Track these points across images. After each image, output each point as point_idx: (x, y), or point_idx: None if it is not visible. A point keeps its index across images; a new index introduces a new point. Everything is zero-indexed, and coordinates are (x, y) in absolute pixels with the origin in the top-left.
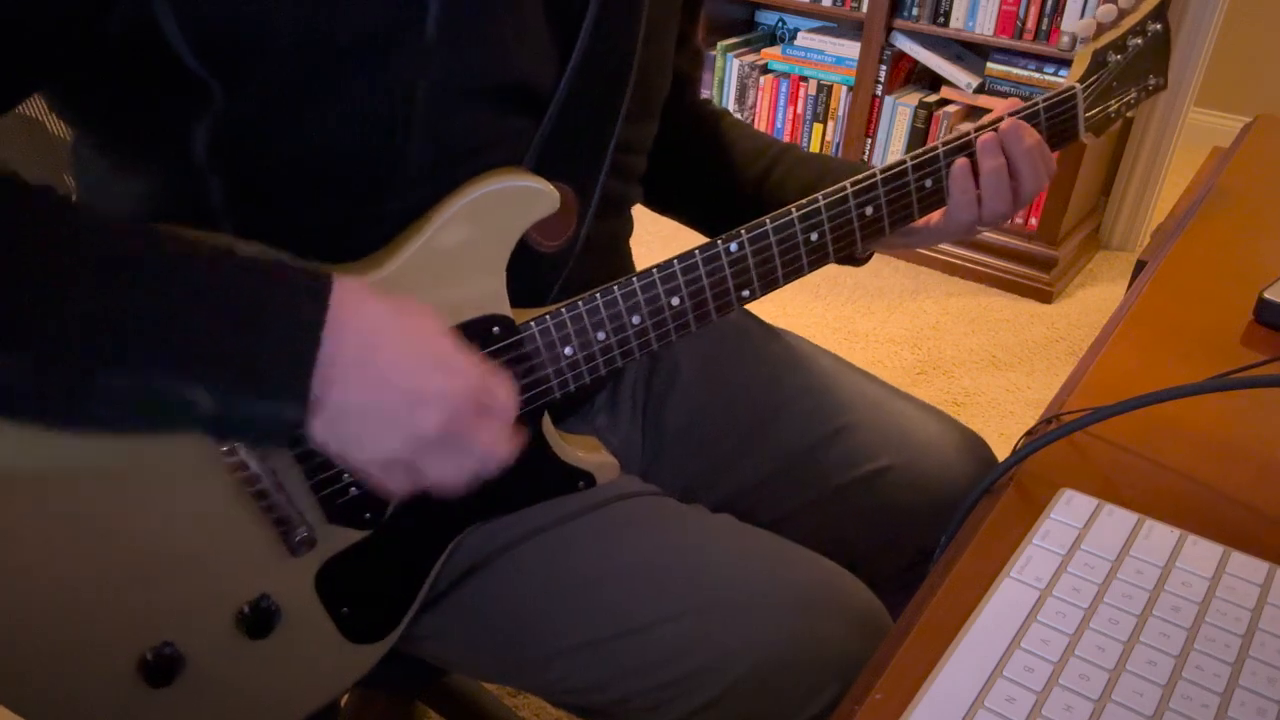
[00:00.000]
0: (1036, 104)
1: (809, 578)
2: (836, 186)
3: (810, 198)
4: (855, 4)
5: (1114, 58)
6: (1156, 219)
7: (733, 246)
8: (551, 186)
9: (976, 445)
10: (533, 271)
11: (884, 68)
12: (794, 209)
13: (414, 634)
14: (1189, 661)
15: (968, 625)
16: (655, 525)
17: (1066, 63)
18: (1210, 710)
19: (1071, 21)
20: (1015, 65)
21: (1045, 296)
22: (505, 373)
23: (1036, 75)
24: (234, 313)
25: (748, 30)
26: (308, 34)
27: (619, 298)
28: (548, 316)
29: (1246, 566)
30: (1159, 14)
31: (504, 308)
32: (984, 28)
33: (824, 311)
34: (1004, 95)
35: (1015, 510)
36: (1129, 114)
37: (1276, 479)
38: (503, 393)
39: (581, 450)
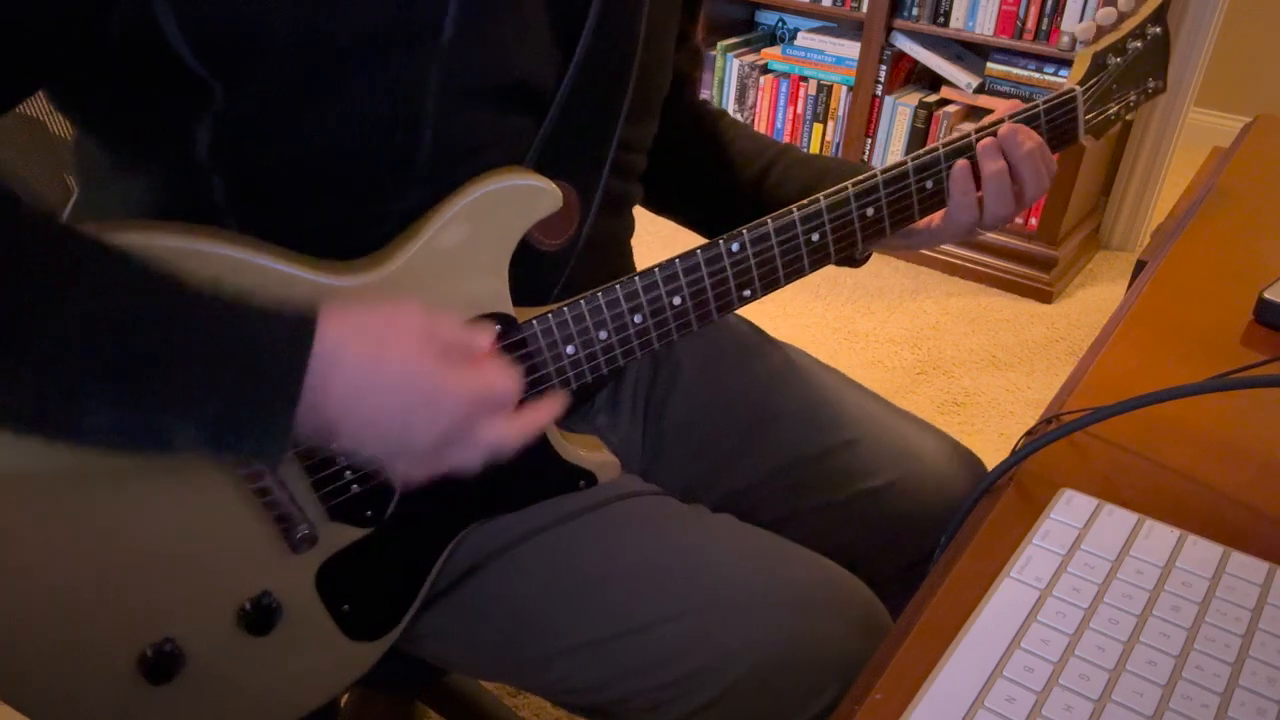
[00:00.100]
0: (1037, 106)
1: (809, 578)
2: (838, 187)
3: (811, 198)
4: (855, 4)
5: (1114, 60)
6: (1156, 219)
7: (734, 246)
8: (554, 185)
9: (976, 464)
10: (534, 270)
11: (884, 68)
12: (795, 209)
13: (414, 633)
14: (1189, 661)
15: (968, 625)
16: (656, 525)
17: (1066, 63)
18: (1210, 710)
19: (1071, 22)
20: (1015, 65)
21: (1045, 296)
22: (503, 359)
23: (1036, 75)
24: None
25: (748, 30)
26: (308, 34)
27: (621, 297)
28: (549, 315)
29: (1246, 566)
30: (1158, 17)
31: (506, 306)
32: (984, 28)
33: (824, 311)
34: (1004, 95)
35: (1015, 510)
36: (1128, 117)
37: (1276, 479)
38: (501, 386)
39: (583, 449)
